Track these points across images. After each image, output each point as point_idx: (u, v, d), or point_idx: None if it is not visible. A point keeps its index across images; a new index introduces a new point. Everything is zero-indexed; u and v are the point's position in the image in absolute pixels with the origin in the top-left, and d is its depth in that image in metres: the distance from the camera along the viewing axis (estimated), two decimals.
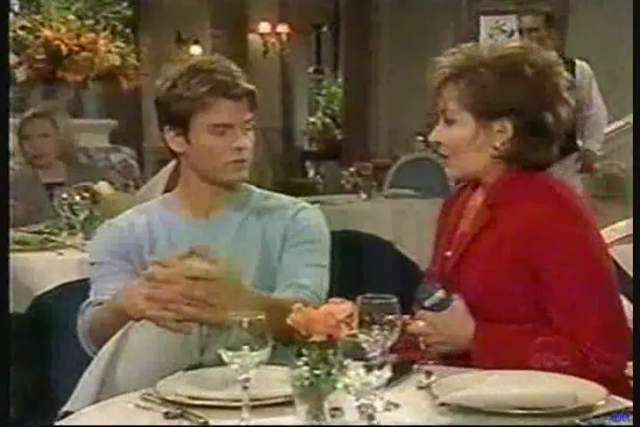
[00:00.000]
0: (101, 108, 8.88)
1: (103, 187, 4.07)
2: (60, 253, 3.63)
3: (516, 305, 2.00)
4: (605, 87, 5.82)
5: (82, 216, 3.84)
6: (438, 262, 2.19)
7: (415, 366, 1.88)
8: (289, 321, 1.59)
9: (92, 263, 2.30)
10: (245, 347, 1.57)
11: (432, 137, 2.11)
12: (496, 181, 2.09)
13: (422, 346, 1.97)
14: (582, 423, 1.58)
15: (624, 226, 2.59)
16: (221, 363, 1.62)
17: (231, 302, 1.95)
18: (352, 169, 5.77)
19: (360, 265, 3.44)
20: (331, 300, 1.69)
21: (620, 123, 7.46)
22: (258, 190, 2.38)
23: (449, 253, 2.14)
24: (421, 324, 1.99)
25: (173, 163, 3.72)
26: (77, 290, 2.41)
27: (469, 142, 2.06)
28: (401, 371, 1.80)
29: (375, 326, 1.63)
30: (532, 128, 2.04)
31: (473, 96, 2.04)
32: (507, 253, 2.00)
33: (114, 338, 1.99)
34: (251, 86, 2.26)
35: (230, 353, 1.58)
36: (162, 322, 1.98)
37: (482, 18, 10.31)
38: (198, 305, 1.99)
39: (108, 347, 1.98)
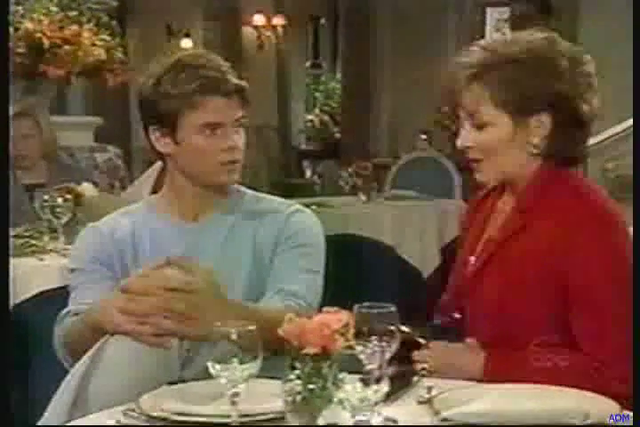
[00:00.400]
0: (86, 105, 8.89)
1: (86, 188, 4.06)
2: (41, 259, 3.60)
3: (539, 315, 2.00)
4: (618, 80, 5.80)
5: (64, 219, 3.82)
6: (459, 268, 2.18)
7: (415, 379, 1.87)
8: (280, 332, 1.57)
9: (73, 270, 2.28)
10: (234, 360, 1.55)
11: (461, 142, 2.09)
12: (527, 184, 2.08)
13: (424, 372, 1.95)
14: None
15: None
16: (204, 379, 1.60)
17: (213, 315, 1.88)
18: (351, 169, 5.75)
19: (357, 271, 3.43)
20: (325, 309, 1.67)
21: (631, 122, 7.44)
22: (250, 192, 2.36)
23: (472, 259, 2.14)
24: (426, 347, 1.98)
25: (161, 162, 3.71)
26: (58, 298, 2.39)
27: (507, 143, 2.06)
28: (400, 384, 1.78)
29: (373, 337, 1.62)
30: (570, 120, 2.05)
31: (507, 93, 2.03)
32: (537, 259, 2.00)
33: (89, 353, 1.95)
34: (241, 82, 2.23)
35: (218, 366, 1.56)
36: (139, 337, 1.95)
37: (487, 9, 10.32)
38: (177, 318, 1.95)
39: (83, 362, 1.95)
